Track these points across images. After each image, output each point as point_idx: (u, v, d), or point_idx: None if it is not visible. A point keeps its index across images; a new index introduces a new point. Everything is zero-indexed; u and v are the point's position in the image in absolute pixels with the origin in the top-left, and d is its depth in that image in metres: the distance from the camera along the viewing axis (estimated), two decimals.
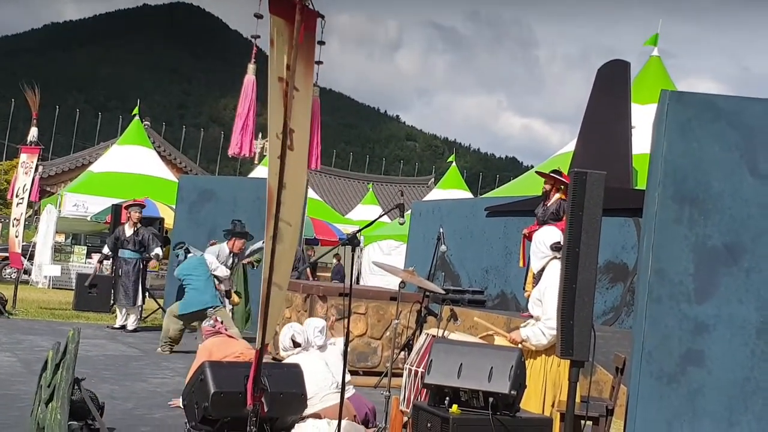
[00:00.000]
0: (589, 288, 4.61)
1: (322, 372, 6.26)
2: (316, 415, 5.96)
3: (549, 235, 5.73)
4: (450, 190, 24.71)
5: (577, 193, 4.66)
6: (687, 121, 5.09)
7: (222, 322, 7.58)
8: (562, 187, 8.98)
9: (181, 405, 6.16)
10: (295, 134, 4.38)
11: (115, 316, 13.80)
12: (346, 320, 5.38)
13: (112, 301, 15.10)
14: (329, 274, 23.09)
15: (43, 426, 5.20)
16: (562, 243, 5.48)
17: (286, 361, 6.41)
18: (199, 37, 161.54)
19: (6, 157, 46.16)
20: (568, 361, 4.77)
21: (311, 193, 22.73)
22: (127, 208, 13.69)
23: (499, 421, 4.44)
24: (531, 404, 5.17)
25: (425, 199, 25.31)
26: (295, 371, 5.93)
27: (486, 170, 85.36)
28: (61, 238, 22.67)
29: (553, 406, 5.37)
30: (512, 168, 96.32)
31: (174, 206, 17.07)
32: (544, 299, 5.42)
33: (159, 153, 26.30)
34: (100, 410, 5.55)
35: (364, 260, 22.78)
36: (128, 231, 13.26)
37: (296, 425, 5.87)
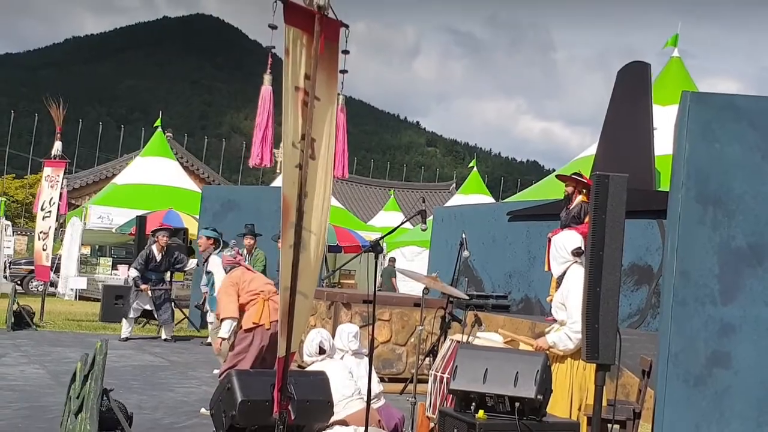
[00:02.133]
0: (614, 291, 4.60)
1: (345, 379, 6.29)
2: (342, 422, 5.98)
3: (569, 239, 5.72)
4: (472, 195, 24.67)
5: (599, 195, 4.65)
6: (708, 122, 5.08)
7: (241, 254, 8.06)
8: (584, 189, 8.96)
9: (208, 414, 6.24)
10: (317, 143, 4.40)
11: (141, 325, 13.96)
12: (370, 327, 5.40)
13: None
14: (354, 281, 23.10)
15: None
16: (582, 248, 5.48)
17: (309, 368, 6.48)
18: (219, 47, 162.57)
19: (30, 171, 46.59)
20: (594, 364, 4.75)
21: (333, 201, 22.76)
22: (154, 233, 13.92)
23: (526, 425, 4.43)
24: (558, 409, 5.16)
25: (447, 204, 25.29)
26: (321, 378, 5.95)
27: (507, 174, 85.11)
28: (86, 251, 22.86)
29: (579, 410, 5.35)
30: (534, 172, 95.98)
31: (197, 216, 17.20)
32: (568, 303, 5.41)
33: (182, 164, 26.45)
34: (129, 420, 5.60)
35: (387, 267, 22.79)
36: (158, 255, 13.46)
37: None
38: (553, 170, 23.04)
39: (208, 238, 10.60)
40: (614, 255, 4.60)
